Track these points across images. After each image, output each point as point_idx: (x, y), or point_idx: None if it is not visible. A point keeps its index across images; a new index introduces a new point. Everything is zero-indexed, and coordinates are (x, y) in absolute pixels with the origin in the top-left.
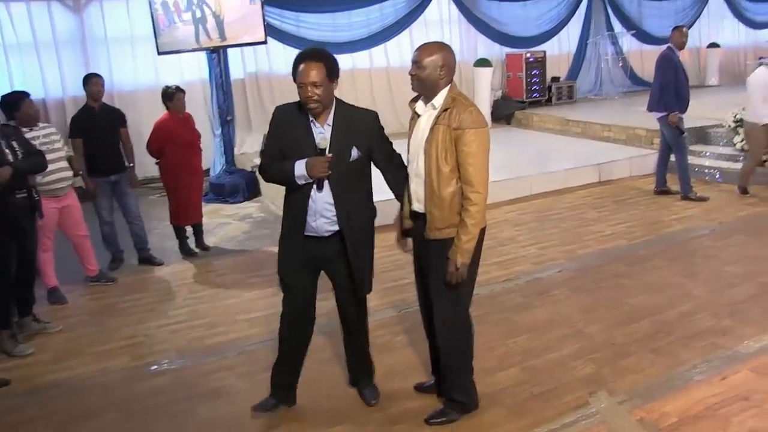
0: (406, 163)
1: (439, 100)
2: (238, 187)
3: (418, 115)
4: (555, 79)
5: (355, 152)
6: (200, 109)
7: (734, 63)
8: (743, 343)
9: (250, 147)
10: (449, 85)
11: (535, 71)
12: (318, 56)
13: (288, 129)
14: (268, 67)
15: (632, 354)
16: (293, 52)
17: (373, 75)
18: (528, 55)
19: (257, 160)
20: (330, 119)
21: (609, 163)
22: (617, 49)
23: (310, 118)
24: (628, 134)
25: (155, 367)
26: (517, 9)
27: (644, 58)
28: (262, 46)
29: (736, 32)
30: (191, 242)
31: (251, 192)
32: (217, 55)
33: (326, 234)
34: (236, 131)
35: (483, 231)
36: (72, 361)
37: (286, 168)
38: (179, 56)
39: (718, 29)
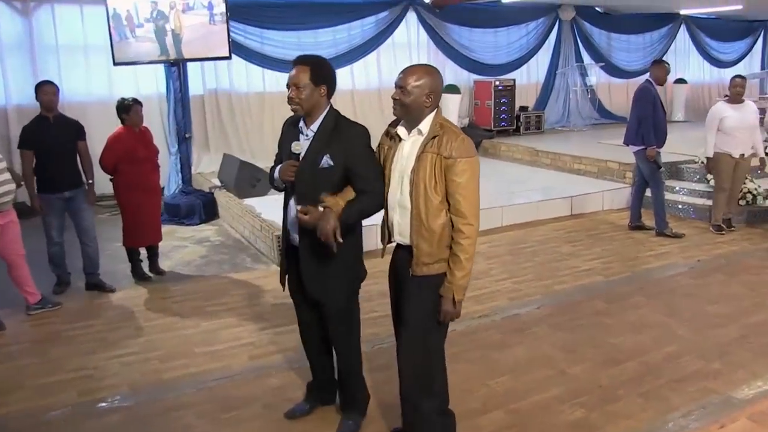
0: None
1: (425, 126)
2: (195, 208)
3: (400, 140)
4: (523, 109)
5: (326, 160)
6: (156, 125)
7: (700, 99)
8: (737, 388)
9: (207, 166)
10: (434, 111)
11: (503, 99)
12: (306, 60)
13: (286, 136)
14: (228, 84)
15: (621, 398)
16: (255, 70)
17: (338, 97)
18: (497, 83)
19: (215, 181)
20: (316, 125)
21: (581, 195)
22: (585, 81)
23: (301, 124)
24: (600, 167)
25: (105, 403)
26: (487, 36)
27: (612, 91)
28: (224, 62)
29: (702, 70)
30: (145, 266)
31: (208, 214)
32: (177, 68)
33: (296, 243)
34: (193, 149)
35: None
36: (10, 396)
37: (272, 173)
38: (135, 68)
39: (685, 65)
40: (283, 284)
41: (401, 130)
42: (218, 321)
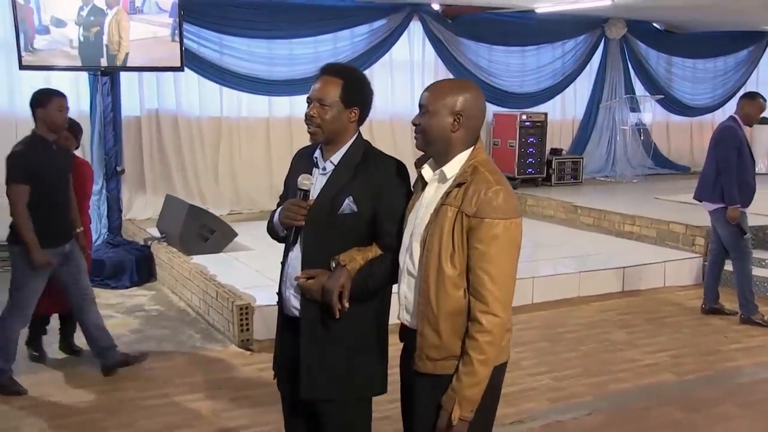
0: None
1: (452, 167)
2: (125, 266)
3: (425, 183)
4: (556, 152)
5: (349, 204)
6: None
7: None
8: None
9: (141, 211)
10: (472, 147)
11: (531, 139)
12: (339, 71)
13: (297, 170)
14: (174, 104)
15: None
16: (211, 88)
17: None
18: (523, 117)
19: (153, 231)
20: (337, 157)
21: (636, 267)
22: (637, 118)
23: (316, 155)
24: (660, 230)
25: None
26: (512, 56)
27: (672, 132)
28: (169, 76)
29: None
30: (49, 341)
31: (143, 275)
32: (109, 80)
33: (295, 313)
34: (123, 188)
35: (503, 368)
36: None
37: (273, 216)
38: (49, 76)
39: None
40: (277, 373)
41: (426, 171)
42: (158, 421)
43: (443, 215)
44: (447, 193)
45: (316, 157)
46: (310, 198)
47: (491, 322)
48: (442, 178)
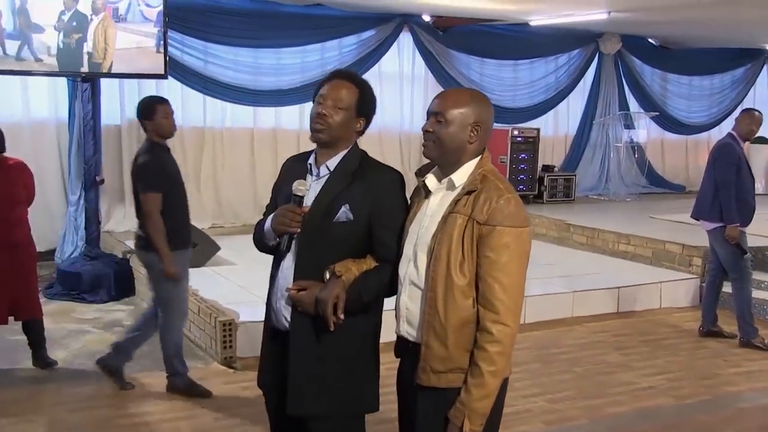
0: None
1: (461, 176)
2: (102, 280)
3: (428, 193)
4: (548, 169)
5: (345, 212)
6: (51, 162)
7: None
8: None
9: (120, 224)
10: (480, 156)
11: (522, 155)
12: (356, 79)
13: (289, 176)
14: None
15: None
16: (194, 97)
17: (304, 139)
18: (515, 132)
19: (132, 244)
20: (333, 162)
21: (631, 287)
22: (632, 136)
23: (310, 161)
24: (655, 250)
25: None
26: (504, 69)
27: (666, 150)
28: (151, 83)
29: None
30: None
31: (121, 289)
32: (89, 87)
33: (286, 325)
34: (102, 199)
35: (506, 382)
36: None
37: (262, 224)
38: (25, 82)
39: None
40: (263, 390)
41: (430, 180)
42: None
43: (452, 223)
44: (455, 201)
45: (310, 164)
46: (305, 205)
47: (502, 332)
48: (451, 186)
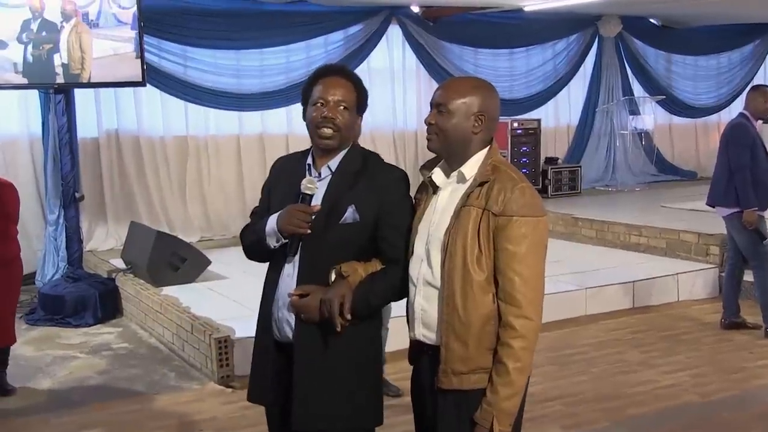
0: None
1: (470, 168)
2: (88, 301)
3: (436, 188)
4: (551, 161)
5: (352, 213)
6: (25, 180)
7: None
8: None
9: (102, 242)
10: (488, 147)
11: (524, 148)
12: (351, 75)
13: (283, 179)
14: (135, 124)
15: None
16: (175, 104)
17: (293, 143)
18: (515, 125)
19: (117, 262)
20: (335, 162)
21: (646, 281)
22: (637, 122)
23: (308, 161)
24: (669, 240)
25: None
26: (500, 59)
27: (675, 135)
28: (129, 93)
29: None
30: None
31: (107, 310)
32: (63, 98)
33: (289, 336)
34: (82, 217)
35: (528, 378)
36: None
37: (260, 225)
38: None
39: None
40: (253, 398)
41: (438, 175)
42: None
43: (466, 217)
44: (468, 194)
45: (309, 164)
46: (314, 204)
47: (525, 327)
48: (461, 179)
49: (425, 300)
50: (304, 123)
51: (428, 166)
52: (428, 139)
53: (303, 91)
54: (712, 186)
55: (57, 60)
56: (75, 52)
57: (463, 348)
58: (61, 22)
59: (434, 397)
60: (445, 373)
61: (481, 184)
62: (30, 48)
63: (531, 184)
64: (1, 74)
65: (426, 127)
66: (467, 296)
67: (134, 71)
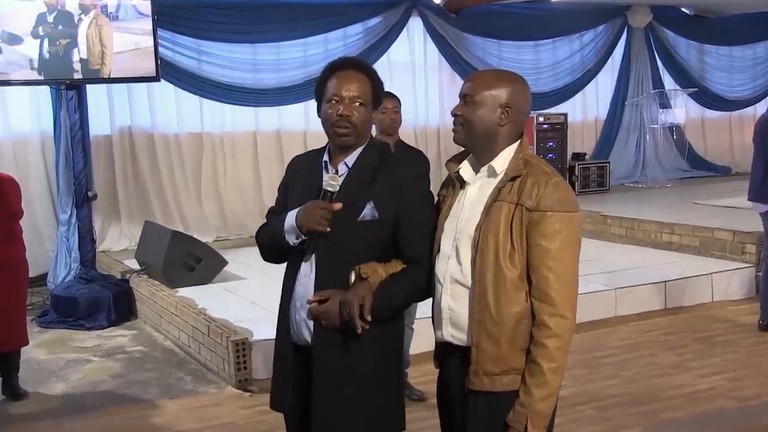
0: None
1: (501, 162)
2: (101, 303)
3: (464, 183)
4: (578, 157)
5: (370, 210)
6: (37, 178)
7: None
8: None
9: (116, 242)
10: (518, 142)
11: (550, 143)
12: (364, 68)
13: (299, 177)
14: (149, 121)
15: None
16: (190, 100)
17: (311, 140)
18: (540, 119)
19: (131, 263)
20: (351, 159)
21: (678, 281)
22: (668, 116)
23: (324, 158)
24: (703, 239)
25: None
26: (525, 51)
27: (708, 130)
28: (142, 89)
29: None
30: None
31: (121, 312)
32: (75, 95)
33: (307, 340)
34: (95, 216)
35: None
36: None
37: (277, 222)
38: (2, 93)
39: None
40: (276, 406)
41: (465, 169)
42: None
43: (497, 212)
44: (499, 189)
45: (325, 161)
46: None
47: (560, 325)
48: (492, 174)
49: (453, 299)
50: (319, 119)
51: (455, 161)
52: (454, 131)
53: (317, 86)
54: (751, 181)
55: (75, 55)
56: (95, 46)
57: (496, 348)
58: (80, 15)
59: (464, 399)
60: (476, 374)
61: (513, 179)
62: (46, 44)
63: (564, 180)
64: (17, 70)
65: (452, 120)
66: (500, 294)
67: (149, 66)
